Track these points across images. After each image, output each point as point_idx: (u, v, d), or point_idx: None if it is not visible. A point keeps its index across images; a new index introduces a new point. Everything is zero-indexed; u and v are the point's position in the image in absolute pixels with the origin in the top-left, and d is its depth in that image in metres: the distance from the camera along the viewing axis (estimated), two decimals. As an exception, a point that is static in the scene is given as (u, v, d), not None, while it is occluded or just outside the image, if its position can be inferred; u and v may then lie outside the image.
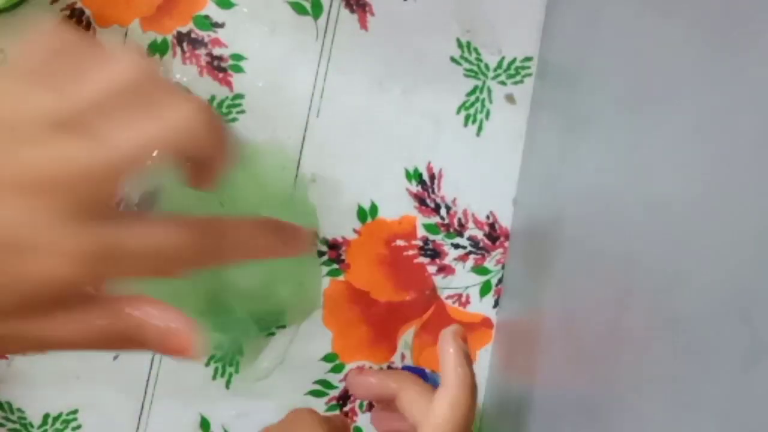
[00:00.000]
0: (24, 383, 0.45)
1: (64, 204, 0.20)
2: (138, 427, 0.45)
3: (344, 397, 0.46)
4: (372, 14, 0.47)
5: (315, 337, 0.46)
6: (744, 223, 0.20)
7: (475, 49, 0.47)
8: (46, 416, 0.45)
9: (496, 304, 0.47)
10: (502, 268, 0.47)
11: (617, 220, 0.30)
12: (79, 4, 0.46)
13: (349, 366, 0.46)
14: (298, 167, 0.46)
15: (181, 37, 0.46)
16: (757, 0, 0.21)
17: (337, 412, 0.46)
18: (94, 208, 0.21)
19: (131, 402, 0.45)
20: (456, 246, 0.47)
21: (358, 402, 0.46)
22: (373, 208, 0.46)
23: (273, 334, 0.45)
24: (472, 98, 0.47)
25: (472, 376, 0.35)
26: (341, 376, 0.46)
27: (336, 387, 0.46)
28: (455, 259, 0.47)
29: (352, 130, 0.46)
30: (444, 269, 0.47)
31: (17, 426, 0.44)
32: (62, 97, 0.21)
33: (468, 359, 0.35)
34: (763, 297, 0.19)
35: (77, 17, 0.46)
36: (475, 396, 0.34)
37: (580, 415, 0.31)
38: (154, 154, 0.21)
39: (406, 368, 0.43)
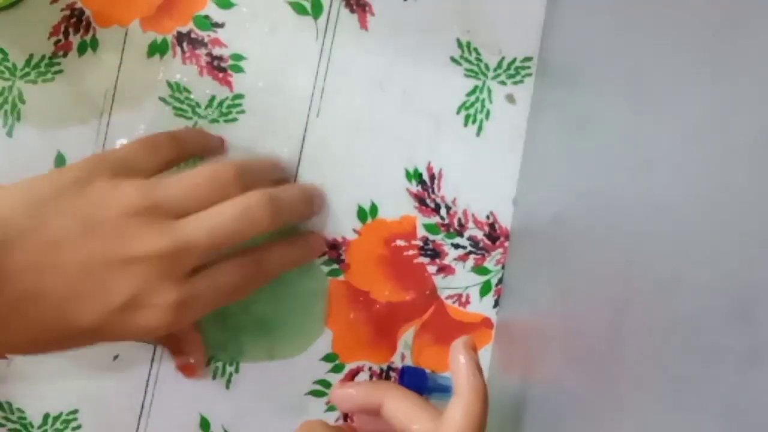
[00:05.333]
0: (24, 383, 0.45)
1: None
2: (138, 427, 0.45)
3: (344, 397, 0.46)
4: (372, 14, 0.47)
5: (315, 337, 0.46)
6: (744, 223, 0.20)
7: (475, 49, 0.47)
8: (46, 416, 0.45)
9: (496, 304, 0.47)
10: (502, 268, 0.47)
11: (617, 220, 0.30)
12: (79, 4, 0.46)
13: (349, 366, 0.46)
14: (297, 167, 0.46)
15: (181, 37, 0.46)
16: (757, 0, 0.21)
17: (338, 412, 0.46)
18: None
19: (131, 402, 0.45)
20: (456, 246, 0.47)
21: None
22: (373, 208, 0.46)
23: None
24: (472, 98, 0.47)
25: (485, 385, 0.35)
26: (341, 376, 0.46)
27: (336, 387, 0.46)
28: (455, 259, 0.47)
29: (352, 130, 0.46)
30: (444, 269, 0.47)
31: (17, 426, 0.44)
32: None
33: (480, 369, 0.36)
34: (763, 297, 0.18)
35: (77, 17, 0.46)
36: (488, 405, 0.35)
37: (580, 415, 0.31)
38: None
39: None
